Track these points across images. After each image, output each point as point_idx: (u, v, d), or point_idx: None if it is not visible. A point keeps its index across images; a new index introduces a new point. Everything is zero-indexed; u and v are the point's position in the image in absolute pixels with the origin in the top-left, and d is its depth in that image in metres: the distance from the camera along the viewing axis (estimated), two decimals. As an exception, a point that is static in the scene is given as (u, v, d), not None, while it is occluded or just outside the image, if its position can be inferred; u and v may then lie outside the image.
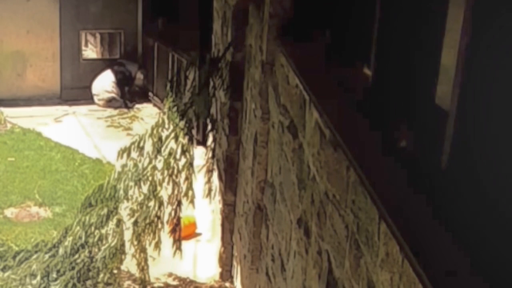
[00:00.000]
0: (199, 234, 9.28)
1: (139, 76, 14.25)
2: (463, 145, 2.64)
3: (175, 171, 7.13)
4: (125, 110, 14.03)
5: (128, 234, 7.23)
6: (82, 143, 12.21)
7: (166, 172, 7.08)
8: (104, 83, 14.08)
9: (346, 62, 4.28)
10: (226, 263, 8.08)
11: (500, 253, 2.33)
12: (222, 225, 8.04)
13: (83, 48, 14.70)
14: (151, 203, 7.07)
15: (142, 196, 7.12)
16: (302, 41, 5.10)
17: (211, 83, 7.59)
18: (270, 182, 5.76)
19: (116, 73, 14.08)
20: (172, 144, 7.21)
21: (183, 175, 7.18)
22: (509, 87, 2.36)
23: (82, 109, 14.01)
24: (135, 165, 7.14)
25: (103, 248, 7.09)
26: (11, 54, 14.07)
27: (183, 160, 7.16)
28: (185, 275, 8.30)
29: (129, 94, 14.16)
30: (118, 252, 7.10)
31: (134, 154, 7.20)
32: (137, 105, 14.24)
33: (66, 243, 7.16)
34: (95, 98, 14.14)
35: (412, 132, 3.27)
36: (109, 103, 14.03)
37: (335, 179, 3.68)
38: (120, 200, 7.17)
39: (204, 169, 8.11)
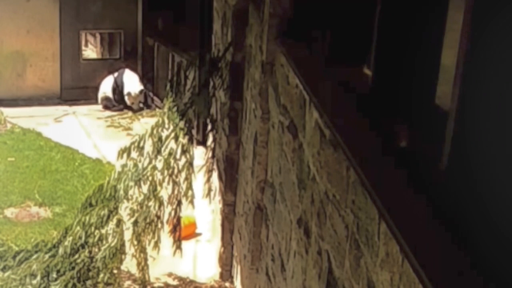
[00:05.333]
0: (199, 234, 9.28)
1: (127, 98, 13.87)
2: (463, 145, 2.64)
3: (175, 171, 7.13)
4: (125, 110, 14.03)
5: (128, 234, 7.23)
6: (82, 143, 12.21)
7: (166, 172, 7.08)
8: (105, 86, 14.09)
9: (346, 62, 4.28)
10: (226, 263, 8.08)
11: (500, 253, 2.33)
12: (222, 225, 8.04)
13: (83, 48, 14.70)
14: (151, 203, 7.07)
15: (142, 196, 7.12)
16: (302, 41, 5.10)
17: (211, 83, 7.59)
18: (270, 182, 5.76)
19: (113, 82, 14.03)
20: (172, 144, 7.21)
21: (183, 175, 7.18)
22: (509, 87, 2.36)
23: (82, 109, 14.01)
24: (135, 165, 7.14)
25: (103, 248, 7.09)
26: (11, 54, 14.08)
27: (183, 160, 7.16)
28: (185, 275, 8.30)
29: (122, 102, 14.00)
30: (118, 252, 7.10)
31: (134, 154, 7.20)
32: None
33: (66, 243, 7.16)
34: (99, 100, 14.18)
35: (412, 132, 3.27)
36: (105, 101, 14.01)
37: (335, 179, 3.68)
38: (120, 200, 7.17)
39: (204, 169, 8.11)
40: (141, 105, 13.97)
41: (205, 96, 7.45)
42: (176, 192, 7.20)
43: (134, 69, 14.34)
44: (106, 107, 13.99)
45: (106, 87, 14.03)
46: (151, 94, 14.24)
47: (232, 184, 7.72)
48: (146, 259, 7.36)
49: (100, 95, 14.04)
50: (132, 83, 13.92)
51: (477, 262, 2.37)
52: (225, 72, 7.52)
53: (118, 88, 13.92)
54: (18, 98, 14.00)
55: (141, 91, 13.90)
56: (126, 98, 13.82)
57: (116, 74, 14.04)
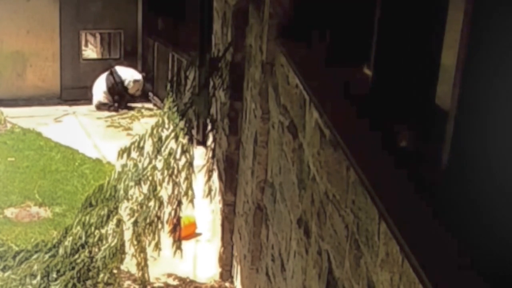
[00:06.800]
0: (199, 234, 9.28)
1: (133, 85, 14.09)
2: (463, 145, 2.64)
3: (175, 171, 7.13)
4: (124, 110, 14.05)
5: (128, 234, 7.23)
6: (82, 143, 12.21)
7: (166, 172, 7.08)
8: (98, 89, 14.10)
9: (346, 62, 4.28)
10: (226, 263, 8.09)
11: (500, 253, 2.33)
12: (222, 225, 8.04)
13: (83, 48, 14.71)
14: (151, 203, 7.07)
15: (142, 196, 7.12)
16: (302, 41, 5.10)
17: (211, 83, 7.59)
18: (270, 182, 5.76)
19: (107, 81, 14.06)
20: (172, 144, 7.21)
21: (183, 175, 7.18)
22: (509, 87, 2.36)
23: (82, 109, 14.02)
24: (135, 165, 7.14)
25: (103, 248, 7.09)
26: (11, 54, 14.08)
27: (183, 160, 7.16)
28: (185, 275, 8.30)
29: (122, 101, 14.08)
30: (118, 252, 7.10)
31: (134, 154, 7.20)
32: (138, 105, 14.27)
33: (66, 243, 7.16)
34: (93, 101, 14.21)
35: (412, 132, 3.27)
36: (101, 106, 14.05)
37: (335, 179, 3.68)
38: (120, 200, 7.17)
39: (204, 169, 8.11)
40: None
41: (205, 96, 7.45)
42: (176, 192, 7.20)
43: (131, 66, 14.42)
44: (102, 110, 14.02)
45: (98, 94, 14.06)
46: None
47: (232, 184, 7.72)
48: (146, 259, 7.36)
49: (95, 102, 14.08)
50: (130, 73, 14.09)
51: (477, 262, 2.37)
52: (225, 72, 7.52)
53: (117, 85, 13.95)
54: (18, 98, 14.01)
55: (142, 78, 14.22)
56: (131, 86, 13.94)
57: (107, 76, 14.05)
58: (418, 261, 2.45)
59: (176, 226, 7.41)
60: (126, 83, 14.01)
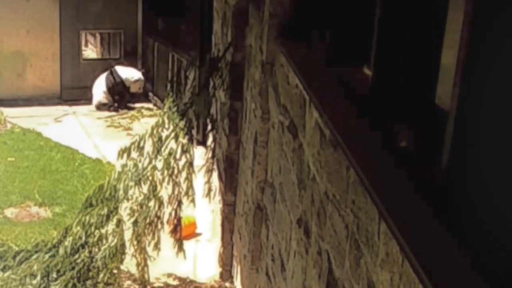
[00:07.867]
0: (199, 234, 9.28)
1: (134, 84, 14.12)
2: (463, 145, 2.64)
3: (175, 171, 7.13)
4: (124, 110, 14.05)
5: (128, 234, 7.23)
6: (82, 143, 12.21)
7: (166, 172, 7.08)
8: (98, 89, 14.11)
9: (346, 62, 4.28)
10: (226, 263, 8.09)
11: (500, 253, 2.33)
12: (222, 225, 8.04)
13: (83, 48, 14.71)
14: (151, 203, 7.07)
15: (142, 196, 7.12)
16: (302, 41, 5.10)
17: (211, 83, 7.59)
18: (270, 182, 5.76)
19: (107, 81, 14.07)
20: (172, 144, 7.21)
21: (183, 175, 7.18)
22: (509, 87, 2.36)
23: (82, 109, 14.02)
24: (135, 165, 7.14)
25: (103, 248, 7.09)
26: (11, 54, 14.08)
27: (183, 160, 7.16)
28: (185, 275, 8.30)
29: (122, 101, 14.09)
30: (118, 252, 7.10)
31: (134, 154, 7.20)
32: (138, 105, 14.27)
33: (66, 243, 7.16)
34: (93, 101, 14.23)
35: (412, 132, 3.27)
36: (101, 106, 14.06)
37: (335, 179, 3.68)
38: (120, 200, 7.17)
39: (204, 169, 8.11)
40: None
41: (205, 96, 7.45)
42: (176, 192, 7.20)
43: (131, 66, 14.42)
44: (102, 110, 14.03)
45: (98, 94, 14.06)
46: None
47: (232, 184, 7.72)
48: (146, 259, 7.35)
49: (95, 102, 14.08)
50: (131, 73, 14.10)
51: (477, 262, 2.37)
52: (225, 72, 7.52)
53: (117, 85, 13.95)
54: (18, 98, 14.01)
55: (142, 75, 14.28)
56: (132, 85, 13.97)
57: (107, 75, 14.05)
58: (418, 261, 2.45)
59: (176, 226, 7.41)
60: (126, 82, 14.02)
